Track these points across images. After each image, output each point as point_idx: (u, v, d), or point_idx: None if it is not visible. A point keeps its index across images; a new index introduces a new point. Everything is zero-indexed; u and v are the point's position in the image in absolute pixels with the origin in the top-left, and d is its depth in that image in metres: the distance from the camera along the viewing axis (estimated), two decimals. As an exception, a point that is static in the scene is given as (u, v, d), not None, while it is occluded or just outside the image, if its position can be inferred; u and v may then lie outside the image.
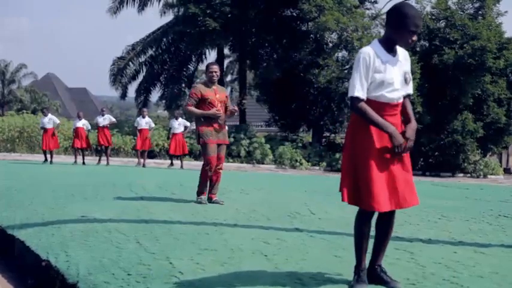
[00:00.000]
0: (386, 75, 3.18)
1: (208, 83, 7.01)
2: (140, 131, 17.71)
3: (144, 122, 17.80)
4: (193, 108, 6.94)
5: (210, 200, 6.95)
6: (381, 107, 3.19)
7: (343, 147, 3.38)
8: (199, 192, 6.98)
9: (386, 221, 3.30)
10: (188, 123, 18.32)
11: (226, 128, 7.15)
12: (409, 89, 3.32)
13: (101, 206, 6.43)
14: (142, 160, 17.69)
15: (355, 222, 3.26)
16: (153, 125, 18.49)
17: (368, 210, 3.16)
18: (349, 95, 3.18)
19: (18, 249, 4.81)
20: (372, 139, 3.16)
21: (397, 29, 3.16)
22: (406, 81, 3.27)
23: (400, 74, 3.25)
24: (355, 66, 3.19)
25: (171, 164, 17.96)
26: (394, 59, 3.24)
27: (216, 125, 6.90)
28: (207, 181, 6.96)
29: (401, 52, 3.31)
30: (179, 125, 17.62)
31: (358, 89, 3.14)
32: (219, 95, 6.99)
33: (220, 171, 7.05)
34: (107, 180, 10.05)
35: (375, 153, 3.14)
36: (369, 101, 3.17)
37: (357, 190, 3.16)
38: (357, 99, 3.15)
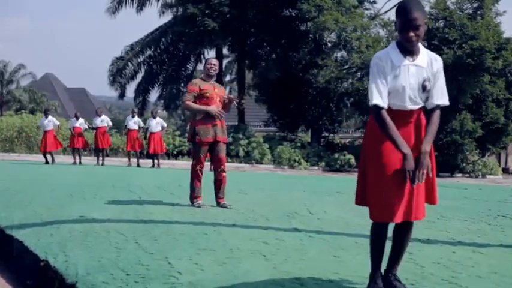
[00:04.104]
0: (396, 80, 2.96)
1: (206, 77, 6.77)
2: (128, 131, 17.93)
3: (133, 122, 17.88)
4: (191, 104, 6.59)
5: (218, 204, 6.64)
6: (393, 113, 2.97)
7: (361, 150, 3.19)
8: (194, 197, 6.62)
9: (404, 229, 3.12)
10: (165, 124, 18.41)
11: (225, 125, 6.81)
12: (437, 99, 3.02)
13: (99, 206, 6.43)
14: (135, 160, 17.96)
15: (370, 231, 3.11)
16: (142, 124, 18.41)
17: (375, 220, 3.02)
18: (369, 103, 2.97)
19: (17, 249, 4.80)
20: (387, 145, 2.95)
21: (398, 27, 2.97)
22: (424, 89, 2.99)
23: (417, 81, 2.98)
24: (370, 72, 3.00)
25: (153, 164, 17.71)
26: (410, 63, 2.98)
27: (214, 122, 6.59)
28: (200, 182, 6.65)
29: (426, 57, 3.03)
30: (157, 124, 17.63)
31: (376, 96, 2.93)
32: (217, 90, 6.75)
33: (224, 173, 6.68)
34: (106, 180, 10.05)
35: (388, 160, 2.94)
36: None
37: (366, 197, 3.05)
38: (376, 107, 2.94)
